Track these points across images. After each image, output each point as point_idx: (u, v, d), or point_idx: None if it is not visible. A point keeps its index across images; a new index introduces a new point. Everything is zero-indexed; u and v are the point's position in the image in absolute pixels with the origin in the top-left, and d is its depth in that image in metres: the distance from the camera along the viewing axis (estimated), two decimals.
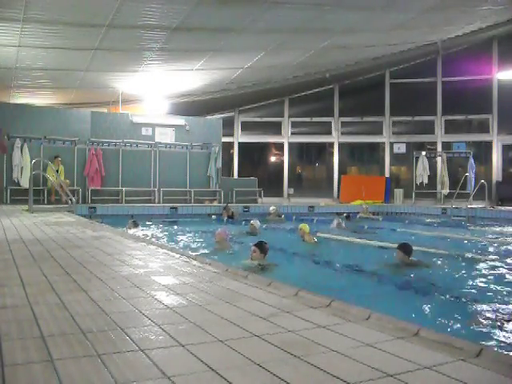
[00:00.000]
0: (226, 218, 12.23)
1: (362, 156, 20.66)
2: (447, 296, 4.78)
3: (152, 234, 9.57)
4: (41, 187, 13.30)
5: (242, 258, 6.26)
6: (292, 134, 19.85)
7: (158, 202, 14.74)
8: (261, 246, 5.88)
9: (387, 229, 11.66)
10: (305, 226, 8.59)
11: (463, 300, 4.66)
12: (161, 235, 9.66)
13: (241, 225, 11.18)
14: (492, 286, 5.26)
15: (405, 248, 6.20)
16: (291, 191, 19.47)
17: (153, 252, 4.60)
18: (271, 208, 12.88)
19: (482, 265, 6.56)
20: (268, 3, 10.14)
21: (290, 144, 19.87)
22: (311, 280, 5.32)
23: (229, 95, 17.84)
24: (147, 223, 11.21)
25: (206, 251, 7.39)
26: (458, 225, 12.36)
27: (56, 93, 16.01)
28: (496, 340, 3.46)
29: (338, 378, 1.60)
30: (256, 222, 9.54)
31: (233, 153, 19.90)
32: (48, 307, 2.48)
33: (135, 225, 9.84)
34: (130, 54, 12.92)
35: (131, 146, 15.13)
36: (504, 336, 3.57)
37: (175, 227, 11.13)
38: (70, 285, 3.04)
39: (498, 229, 11.45)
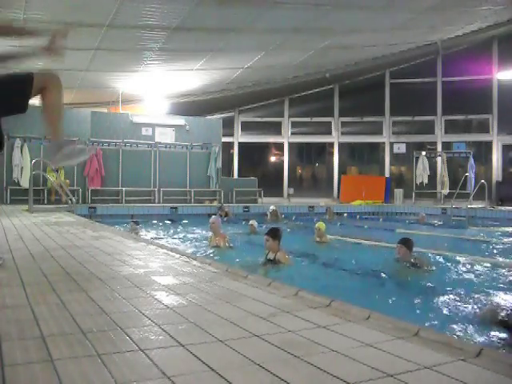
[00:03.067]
0: (225, 218, 12.27)
1: (362, 156, 20.66)
2: (447, 296, 4.78)
3: (152, 234, 9.58)
4: (41, 187, 13.30)
5: (242, 257, 6.27)
6: (292, 134, 19.86)
7: (158, 202, 14.74)
8: (272, 233, 5.78)
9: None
10: (322, 226, 8.25)
11: (463, 300, 4.66)
12: (161, 235, 9.67)
13: (237, 224, 11.24)
14: (492, 286, 5.26)
15: (407, 243, 6.01)
16: (291, 191, 19.47)
17: (153, 252, 4.59)
18: (271, 208, 12.89)
19: (481, 265, 6.55)
20: (268, 3, 10.14)
21: (290, 144, 19.88)
22: (311, 279, 5.32)
23: (229, 95, 17.84)
24: (148, 224, 11.21)
25: (205, 250, 7.38)
26: (457, 225, 12.36)
27: None
28: (496, 340, 3.46)
29: (337, 377, 1.60)
30: (254, 222, 9.62)
31: (233, 153, 19.91)
32: (48, 307, 2.48)
33: (136, 223, 9.80)
34: (130, 54, 12.92)
35: (131, 146, 15.13)
36: (504, 336, 3.57)
37: (175, 227, 11.13)
38: (70, 285, 3.04)
39: (497, 229, 11.45)
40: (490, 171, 18.00)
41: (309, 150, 20.67)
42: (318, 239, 8.30)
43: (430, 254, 7.05)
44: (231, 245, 7.50)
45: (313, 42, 13.51)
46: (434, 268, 6.18)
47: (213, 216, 7.80)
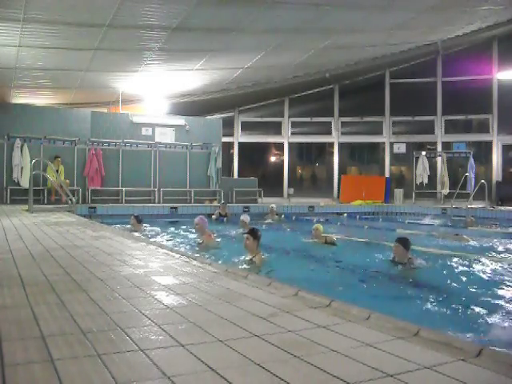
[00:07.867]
0: (225, 218, 12.24)
1: (362, 156, 20.66)
2: (447, 296, 4.78)
3: (152, 234, 9.55)
4: (41, 187, 13.30)
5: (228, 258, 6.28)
6: (292, 134, 19.85)
7: (158, 202, 14.75)
8: (254, 233, 5.83)
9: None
10: (320, 226, 8.22)
11: (463, 300, 4.66)
12: (161, 235, 9.64)
13: (235, 224, 11.24)
14: (491, 286, 5.26)
15: (404, 242, 5.87)
16: (291, 191, 19.48)
17: (153, 252, 4.60)
18: (271, 205, 12.87)
19: (481, 265, 6.55)
20: (268, 3, 10.14)
21: (290, 144, 19.88)
22: (311, 279, 5.32)
23: (229, 95, 17.84)
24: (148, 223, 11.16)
25: (193, 250, 7.31)
26: (457, 225, 12.35)
27: (56, 93, 16.01)
28: (496, 340, 3.46)
29: (338, 377, 1.60)
30: (246, 218, 9.56)
31: (233, 153, 19.91)
32: (48, 307, 2.48)
33: (139, 220, 9.56)
34: (130, 54, 12.92)
35: (131, 146, 15.13)
36: (504, 336, 3.57)
37: (175, 227, 11.10)
38: (70, 285, 3.04)
39: (497, 229, 11.44)
40: (490, 171, 18.00)
41: (309, 150, 20.68)
42: (316, 240, 8.17)
43: (423, 259, 7.03)
44: (218, 242, 7.45)
45: (313, 41, 13.51)
46: (432, 268, 6.16)
47: (197, 217, 7.73)
